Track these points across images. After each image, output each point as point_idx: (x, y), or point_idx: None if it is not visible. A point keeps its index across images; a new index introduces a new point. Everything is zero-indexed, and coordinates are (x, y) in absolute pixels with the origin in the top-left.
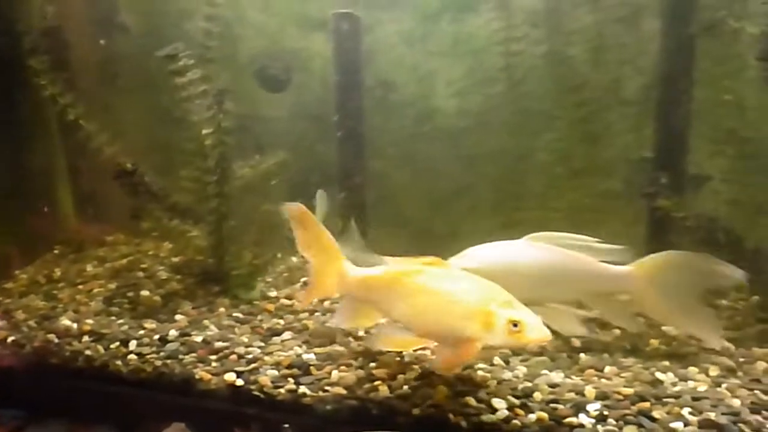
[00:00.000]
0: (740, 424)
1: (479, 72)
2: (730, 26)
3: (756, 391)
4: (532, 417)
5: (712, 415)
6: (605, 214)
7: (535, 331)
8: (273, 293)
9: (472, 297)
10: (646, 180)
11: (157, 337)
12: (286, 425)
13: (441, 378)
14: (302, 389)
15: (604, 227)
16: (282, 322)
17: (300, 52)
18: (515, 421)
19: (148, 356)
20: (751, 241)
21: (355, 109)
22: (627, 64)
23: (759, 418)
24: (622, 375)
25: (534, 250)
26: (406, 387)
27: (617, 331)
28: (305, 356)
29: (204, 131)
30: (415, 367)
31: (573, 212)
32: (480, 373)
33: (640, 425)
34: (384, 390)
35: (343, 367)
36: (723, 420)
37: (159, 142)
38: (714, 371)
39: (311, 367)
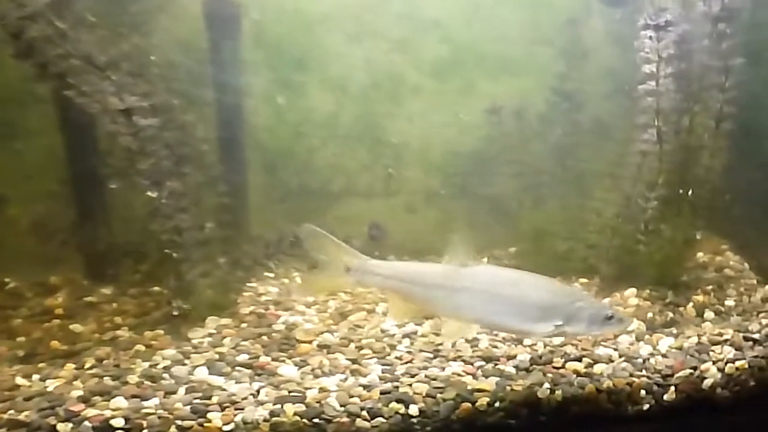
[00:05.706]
0: (51, 417)
1: None
2: None
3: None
4: None
5: (23, 414)
6: None
7: None
8: None
9: None
10: None
11: None
12: None
13: None
14: None
15: None
16: None
17: None
18: None
19: None
20: None
21: None
22: None
23: (81, 406)
24: None
25: None
26: None
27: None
28: None
29: None
30: None
31: None
32: None
33: None
34: None
35: None
36: (34, 417)
37: None
38: (89, 363)
39: None
